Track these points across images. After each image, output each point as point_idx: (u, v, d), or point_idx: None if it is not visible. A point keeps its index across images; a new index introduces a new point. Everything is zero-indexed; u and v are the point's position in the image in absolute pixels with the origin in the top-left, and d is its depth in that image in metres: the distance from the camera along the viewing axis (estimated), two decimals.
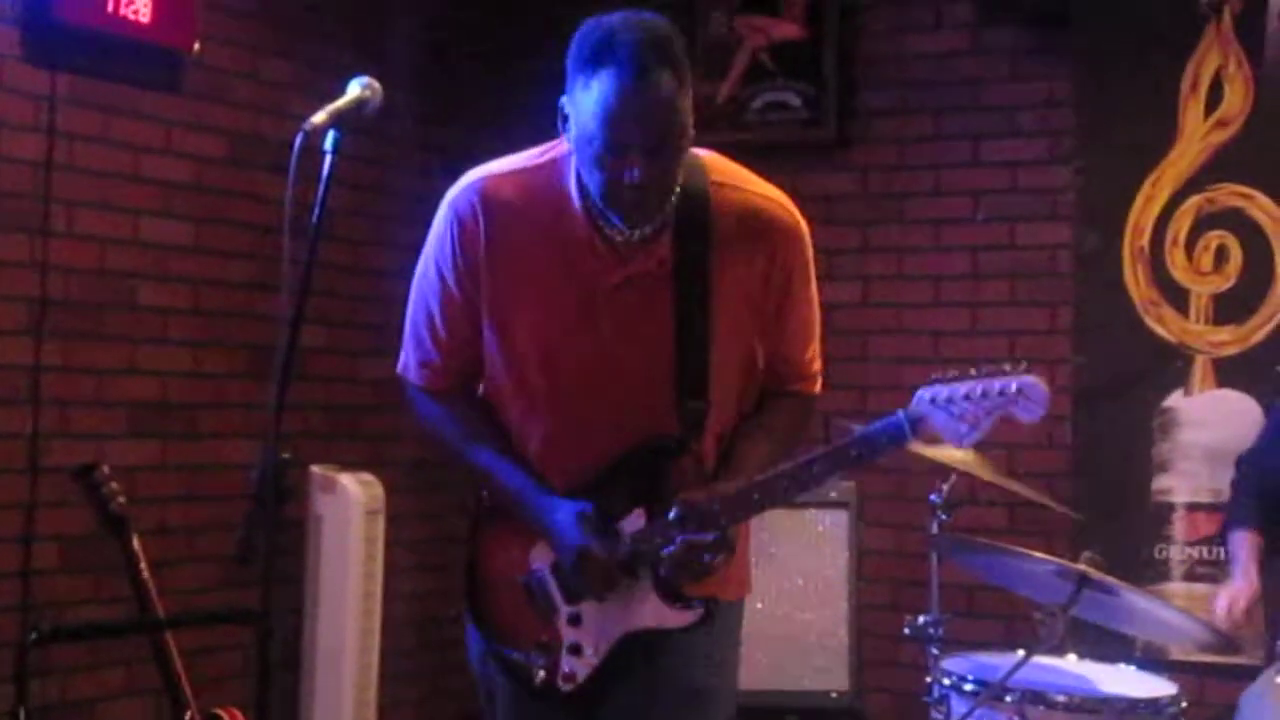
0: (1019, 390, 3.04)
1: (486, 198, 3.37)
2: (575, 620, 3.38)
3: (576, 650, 3.37)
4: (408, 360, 3.52)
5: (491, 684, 3.53)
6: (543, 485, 3.38)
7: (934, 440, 3.17)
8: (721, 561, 3.29)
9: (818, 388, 3.55)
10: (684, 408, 3.31)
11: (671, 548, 3.24)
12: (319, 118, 3.11)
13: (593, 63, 3.16)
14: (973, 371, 3.10)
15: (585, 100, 3.16)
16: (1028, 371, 3.07)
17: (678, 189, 3.29)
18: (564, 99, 3.25)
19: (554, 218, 3.33)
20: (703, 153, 3.39)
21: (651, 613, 3.33)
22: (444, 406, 3.50)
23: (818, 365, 3.55)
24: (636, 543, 3.30)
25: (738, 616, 3.56)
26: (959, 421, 3.08)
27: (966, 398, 3.07)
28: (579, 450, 3.37)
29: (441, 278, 3.42)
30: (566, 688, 3.38)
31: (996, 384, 3.05)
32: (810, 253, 3.45)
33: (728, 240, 3.32)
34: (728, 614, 3.47)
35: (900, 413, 3.14)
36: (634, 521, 3.32)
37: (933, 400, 3.10)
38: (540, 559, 3.41)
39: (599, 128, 3.14)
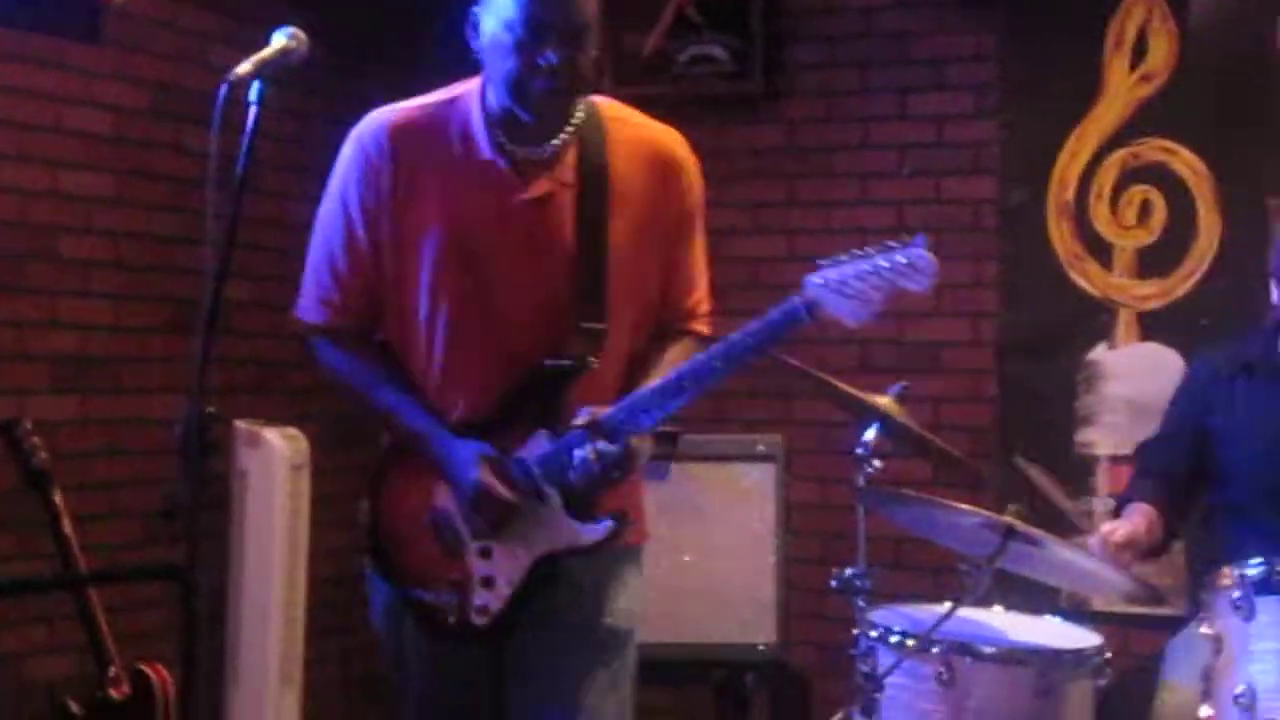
0: (908, 264, 3.12)
1: (392, 131, 3.44)
2: (485, 553, 3.42)
3: (489, 583, 3.41)
4: (306, 301, 3.56)
5: (400, 640, 3.54)
6: (444, 425, 3.42)
7: (831, 322, 3.21)
8: (627, 470, 3.34)
9: (709, 329, 3.60)
10: (581, 330, 3.36)
11: (580, 459, 3.27)
12: (244, 68, 3.10)
13: None
14: (858, 252, 3.17)
15: (513, 16, 3.27)
16: (913, 244, 3.13)
17: (578, 116, 3.40)
18: (476, 8, 3.37)
19: (459, 145, 3.42)
20: (596, 98, 3.49)
21: (563, 533, 3.37)
22: (345, 351, 3.54)
23: (708, 307, 3.62)
24: (543, 463, 3.34)
25: (637, 561, 3.59)
26: (852, 301, 3.15)
27: (857, 277, 3.14)
28: (482, 375, 3.42)
29: (346, 214, 3.47)
30: (481, 621, 3.41)
31: (884, 260, 3.13)
32: (702, 198, 3.56)
33: (626, 166, 3.44)
34: (628, 556, 3.54)
35: (795, 298, 3.20)
36: (538, 443, 3.37)
37: (825, 284, 3.17)
38: (445, 497, 3.44)
39: (518, 10, 3.26)
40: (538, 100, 3.32)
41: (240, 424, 5.76)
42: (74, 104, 5.35)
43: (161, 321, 5.62)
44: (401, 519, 3.49)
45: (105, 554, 5.17)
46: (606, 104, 3.52)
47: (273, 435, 5.72)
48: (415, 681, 3.55)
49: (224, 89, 3.03)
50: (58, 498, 4.57)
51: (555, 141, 3.41)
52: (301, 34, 3.19)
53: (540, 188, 3.39)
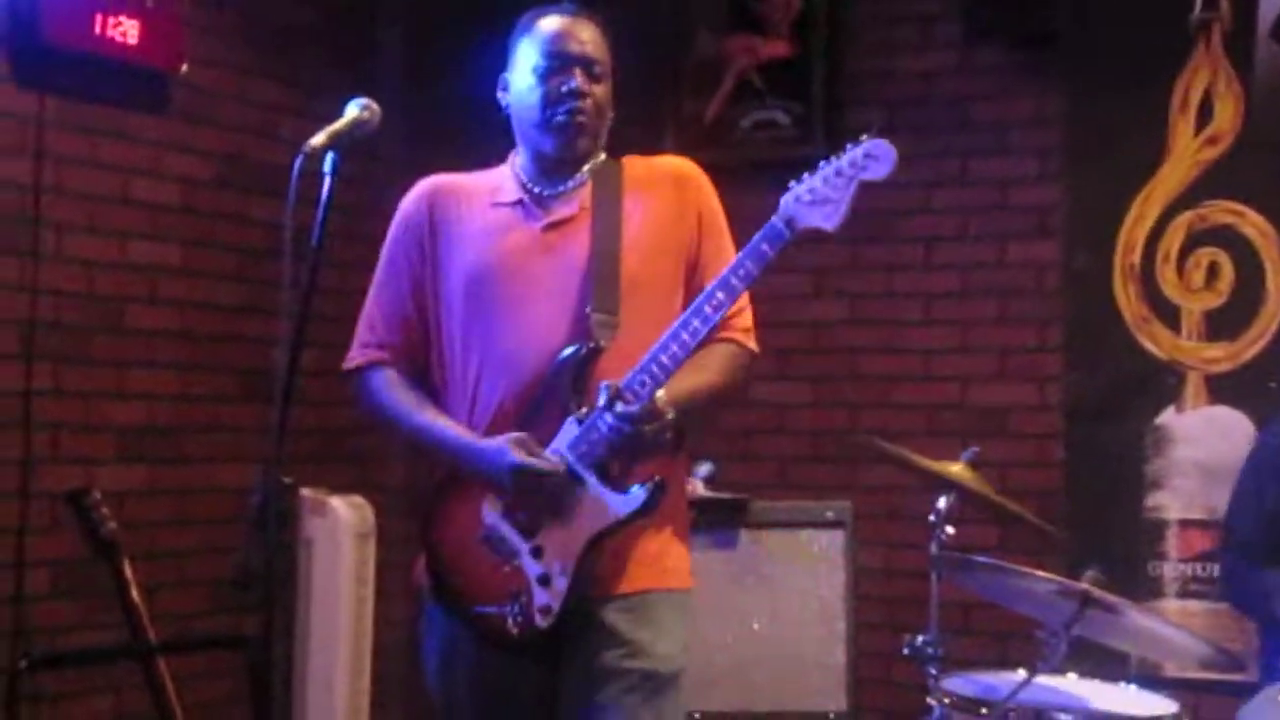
0: (866, 155, 3.41)
1: (432, 192, 3.72)
2: (538, 553, 3.48)
3: (545, 581, 3.47)
4: (351, 352, 3.77)
5: (452, 682, 3.61)
6: (475, 436, 3.53)
7: (812, 233, 3.42)
8: (658, 430, 3.41)
9: (750, 343, 3.71)
10: (593, 319, 3.48)
11: (609, 427, 3.37)
12: (318, 139, 3.11)
13: (529, 24, 3.65)
14: (822, 161, 3.43)
15: (526, 49, 3.62)
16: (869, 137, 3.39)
17: (597, 161, 3.65)
18: (504, 75, 3.69)
19: (489, 196, 3.67)
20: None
21: (604, 509, 3.43)
22: (380, 382, 3.69)
23: (747, 322, 3.71)
24: (574, 447, 3.43)
25: (680, 607, 3.61)
26: (823, 206, 3.39)
27: (824, 182, 3.40)
28: (509, 380, 3.52)
29: (388, 269, 3.73)
30: (545, 622, 3.45)
31: (845, 159, 3.40)
32: (721, 209, 3.71)
33: (638, 185, 3.66)
34: (667, 603, 3.56)
35: (773, 218, 3.41)
36: (567, 431, 3.45)
37: (796, 199, 3.41)
38: (490, 513, 3.52)
39: (542, 51, 3.59)
40: (563, 125, 3.58)
41: (306, 492, 5.77)
42: (141, 175, 5.40)
43: (228, 391, 5.65)
44: (453, 543, 3.56)
45: (172, 623, 5.18)
46: (626, 157, 3.74)
47: (338, 503, 5.72)
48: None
49: (300, 160, 3.05)
50: (126, 567, 4.56)
51: (574, 180, 3.64)
52: (374, 105, 3.22)
53: (559, 214, 3.61)
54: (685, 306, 3.53)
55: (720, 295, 3.40)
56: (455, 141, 6.28)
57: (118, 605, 4.55)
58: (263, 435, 5.49)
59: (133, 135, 5.36)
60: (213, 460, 5.59)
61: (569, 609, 3.45)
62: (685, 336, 3.39)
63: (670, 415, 3.43)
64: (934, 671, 4.32)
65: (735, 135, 6.52)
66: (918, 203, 6.37)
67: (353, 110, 3.21)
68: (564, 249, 3.57)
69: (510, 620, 3.46)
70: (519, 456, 3.41)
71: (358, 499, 5.81)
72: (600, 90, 3.61)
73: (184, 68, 5.40)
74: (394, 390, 3.67)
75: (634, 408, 3.36)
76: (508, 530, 3.50)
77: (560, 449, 3.44)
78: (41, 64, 5.04)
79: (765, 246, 3.38)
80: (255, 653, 3.04)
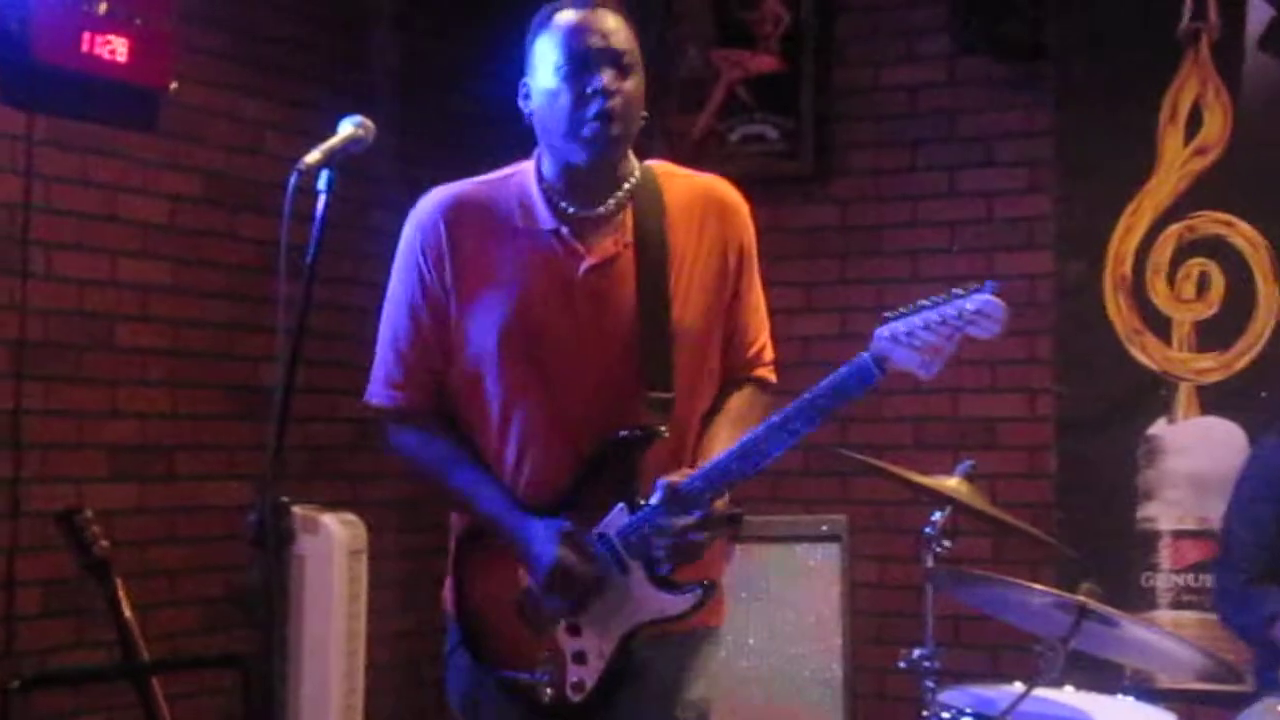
0: (975, 310, 3.06)
1: (448, 210, 3.45)
2: (574, 630, 3.38)
3: (581, 658, 3.37)
4: (374, 385, 3.54)
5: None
6: (518, 506, 3.39)
7: (901, 374, 3.15)
8: (711, 538, 3.30)
9: (774, 377, 3.59)
10: (649, 399, 3.33)
11: (659, 528, 3.25)
12: (313, 157, 3.07)
13: (546, 21, 3.39)
14: (925, 301, 3.11)
15: (545, 49, 3.36)
16: (980, 290, 3.07)
17: (632, 174, 3.42)
18: (524, 81, 3.43)
19: (519, 217, 3.42)
20: (650, 161, 3.52)
21: (650, 604, 3.33)
22: (416, 433, 3.51)
23: (771, 354, 3.60)
24: (624, 535, 3.31)
25: (716, 643, 3.55)
26: (921, 353, 3.10)
27: (925, 327, 3.09)
28: (553, 450, 3.38)
29: (408, 296, 3.48)
30: (576, 698, 3.36)
31: (952, 309, 3.07)
32: (754, 237, 3.55)
33: (681, 216, 3.42)
34: (706, 640, 3.49)
35: (864, 355, 3.16)
36: (617, 518, 3.32)
37: (893, 337, 3.11)
38: (530, 578, 3.40)
39: (563, 51, 3.33)
40: (594, 135, 3.32)
41: (298, 509, 5.72)
42: (131, 193, 5.37)
43: (219, 408, 5.63)
44: (487, 600, 3.45)
45: (164, 642, 5.16)
46: (657, 164, 3.53)
47: (330, 520, 5.69)
48: None
49: (294, 178, 3.01)
50: (118, 586, 4.55)
51: (611, 201, 3.41)
52: (368, 122, 3.17)
53: (602, 251, 3.38)
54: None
55: (792, 425, 3.18)
56: (447, 157, 6.29)
57: (109, 624, 4.53)
58: (254, 452, 5.58)
59: (122, 153, 5.34)
60: (204, 478, 5.57)
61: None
62: (755, 456, 3.21)
63: (725, 520, 3.33)
64: (930, 685, 4.31)
65: (724, 149, 6.54)
66: (906, 216, 6.38)
67: (347, 127, 3.14)
68: (609, 297, 3.37)
69: (542, 689, 3.36)
70: (564, 554, 3.30)
71: (349, 516, 5.79)
72: (631, 85, 3.34)
73: (173, 85, 5.38)
74: (430, 441, 3.49)
75: (691, 519, 3.23)
76: (545, 601, 3.38)
77: (609, 534, 3.32)
78: (30, 82, 5.02)
79: (852, 382, 3.16)
80: (254, 670, 3.02)
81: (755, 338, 3.56)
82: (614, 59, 3.33)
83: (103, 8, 5.11)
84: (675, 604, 3.32)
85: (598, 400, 3.36)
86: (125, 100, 5.34)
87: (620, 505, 3.32)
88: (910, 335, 3.10)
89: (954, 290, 3.10)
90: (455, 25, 6.57)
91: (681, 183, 3.49)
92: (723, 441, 3.36)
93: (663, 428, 3.33)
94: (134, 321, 5.37)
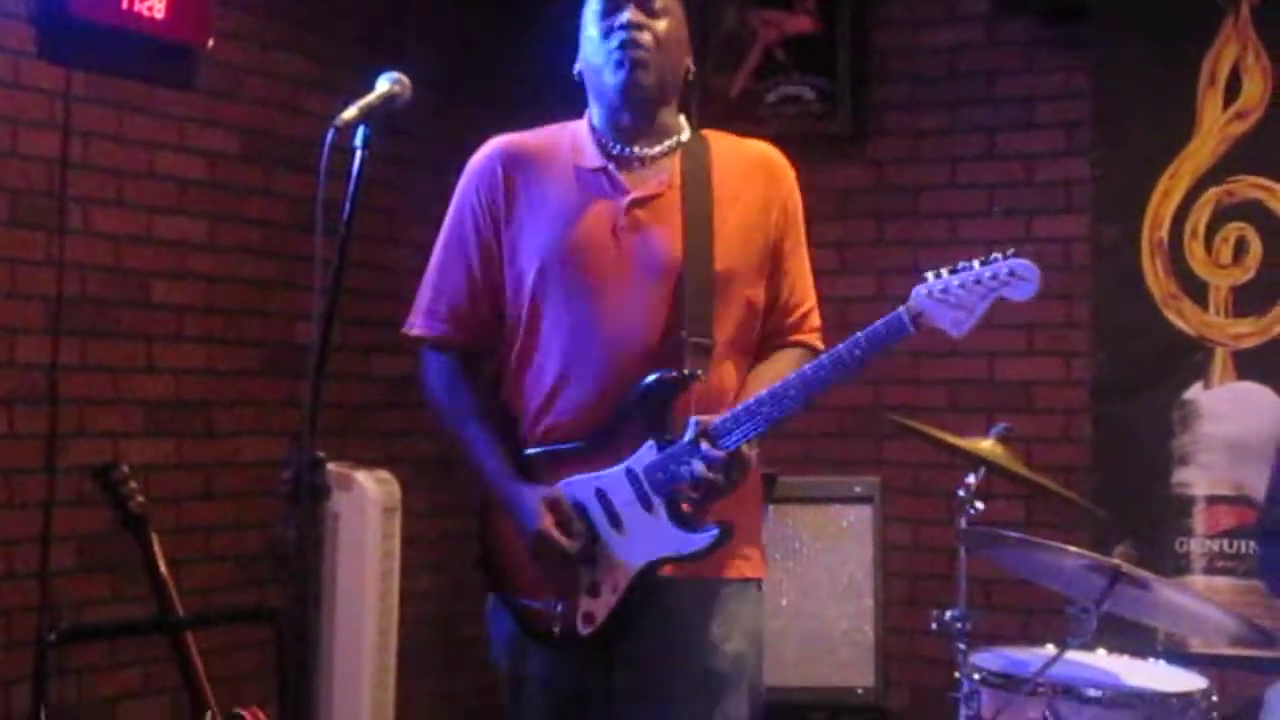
0: (1011, 272, 3.19)
1: (504, 153, 3.57)
2: (590, 561, 3.41)
3: (594, 590, 3.41)
4: (414, 314, 3.62)
5: (520, 677, 3.54)
6: (512, 470, 3.46)
7: (934, 331, 3.25)
8: (735, 481, 3.32)
9: (820, 343, 3.61)
10: (690, 344, 3.37)
11: (691, 470, 3.28)
12: (350, 113, 3.07)
13: None
14: (963, 263, 3.23)
15: (590, 4, 3.51)
16: (1017, 255, 3.21)
17: (683, 133, 3.54)
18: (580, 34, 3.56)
19: (569, 158, 3.53)
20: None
21: (668, 541, 3.36)
22: (448, 372, 3.58)
23: (818, 320, 3.64)
24: (650, 472, 3.34)
25: (755, 598, 3.56)
26: (956, 309, 3.21)
27: (961, 286, 3.20)
28: (591, 386, 3.43)
29: (458, 232, 3.58)
30: (586, 630, 3.41)
31: (988, 269, 3.20)
32: (801, 205, 3.61)
33: (728, 169, 3.52)
34: (744, 591, 3.51)
35: (900, 308, 3.25)
36: (646, 454, 3.36)
37: (929, 293, 3.22)
38: None
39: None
40: (619, 61, 3.43)
41: (332, 466, 5.73)
42: (167, 149, 5.39)
43: (254, 365, 5.65)
44: (507, 534, 3.50)
45: (199, 597, 5.19)
46: (707, 130, 3.62)
47: (365, 478, 5.71)
48: (531, 717, 3.54)
49: (330, 134, 3.01)
50: (154, 541, 4.57)
51: (659, 147, 3.52)
52: (405, 79, 3.17)
53: (647, 188, 3.47)
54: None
55: (825, 374, 3.25)
56: (487, 115, 6.29)
57: (145, 579, 4.55)
58: (289, 409, 5.60)
59: (159, 110, 5.35)
60: (239, 434, 5.60)
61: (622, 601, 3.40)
62: (786, 400, 3.27)
63: (753, 465, 3.36)
64: (962, 647, 4.32)
65: (761, 110, 6.51)
66: (943, 178, 6.36)
67: (384, 84, 3.15)
68: (652, 232, 3.45)
69: (552, 619, 3.42)
70: (546, 525, 3.37)
71: (383, 473, 5.81)
72: (663, 25, 3.46)
73: (210, 42, 5.39)
74: (451, 384, 3.57)
75: (719, 454, 3.27)
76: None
77: (636, 469, 3.36)
78: (68, 39, 5.03)
79: (885, 333, 3.23)
80: (288, 625, 3.03)
81: (801, 301, 3.60)
82: (643, 2, 3.45)
83: None
84: (691, 541, 3.34)
85: (638, 337, 3.41)
86: (163, 57, 5.35)
87: (651, 441, 3.36)
88: (946, 292, 3.21)
89: (993, 254, 3.22)
90: None
91: (730, 144, 3.59)
92: (758, 389, 3.38)
93: (700, 373, 3.36)
94: (170, 278, 5.39)
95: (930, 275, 3.23)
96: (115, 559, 4.93)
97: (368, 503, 5.68)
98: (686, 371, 3.35)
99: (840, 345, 3.27)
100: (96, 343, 5.15)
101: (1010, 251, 3.22)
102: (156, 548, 4.54)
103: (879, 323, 3.25)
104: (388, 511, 5.74)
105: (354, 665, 5.67)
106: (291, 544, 2.94)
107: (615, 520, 3.39)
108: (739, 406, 3.32)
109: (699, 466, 3.28)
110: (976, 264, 3.22)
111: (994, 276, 3.19)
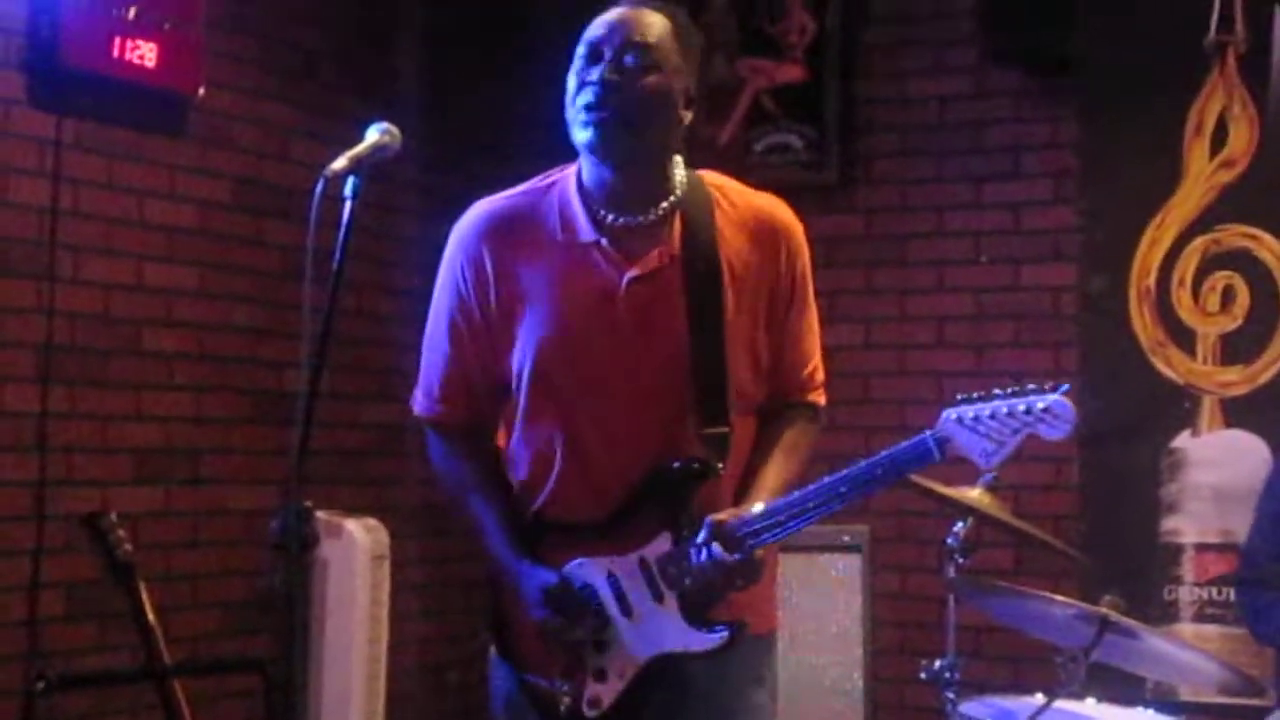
0: (1045, 410, 3.01)
1: (490, 223, 3.40)
2: (600, 647, 3.34)
3: (601, 675, 3.34)
4: (417, 393, 3.53)
5: None
6: (519, 546, 3.37)
7: (960, 459, 3.11)
8: (746, 585, 3.25)
9: (824, 400, 3.53)
10: (706, 432, 3.28)
11: (698, 565, 3.20)
12: (340, 164, 3.07)
13: (588, 25, 3.32)
14: (997, 390, 3.07)
15: (578, 50, 3.30)
16: (1054, 390, 3.03)
17: (680, 184, 3.33)
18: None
19: (560, 228, 3.35)
20: (701, 171, 3.43)
21: (677, 636, 3.28)
22: (449, 448, 3.50)
23: (822, 375, 3.53)
24: (662, 565, 3.27)
25: (767, 650, 3.51)
26: (985, 440, 3.05)
27: (992, 417, 3.04)
28: (601, 473, 3.34)
29: (448, 308, 3.43)
30: (591, 714, 3.33)
31: (1022, 403, 3.03)
32: (808, 258, 3.47)
33: (733, 232, 3.34)
34: (755, 647, 3.43)
35: (927, 433, 3.10)
36: (660, 545, 3.28)
37: (959, 420, 3.06)
38: None
39: (583, 45, 3.29)
40: (582, 123, 3.26)
41: (321, 514, 5.73)
42: (157, 198, 5.40)
43: (242, 413, 5.65)
44: (516, 609, 3.42)
45: (187, 646, 5.18)
46: (709, 174, 3.43)
47: (354, 526, 5.69)
48: None
49: (320, 184, 3.01)
50: (142, 589, 4.56)
51: (656, 212, 3.32)
52: (394, 130, 3.17)
53: (647, 263, 3.30)
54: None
55: (844, 490, 3.14)
56: (474, 165, 6.31)
57: (133, 627, 4.55)
58: (278, 457, 5.60)
59: (150, 158, 5.37)
60: (228, 482, 5.59)
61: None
62: (805, 514, 3.17)
63: (764, 571, 3.28)
64: (951, 696, 4.31)
65: (749, 159, 6.53)
66: (931, 226, 6.38)
67: (373, 134, 3.15)
68: (654, 311, 3.29)
69: (559, 699, 3.34)
70: (549, 621, 3.30)
71: (372, 521, 5.79)
72: (651, 80, 3.24)
73: (201, 91, 5.41)
74: (459, 460, 3.47)
75: (733, 559, 3.17)
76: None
77: (649, 559, 3.28)
78: (59, 86, 5.04)
79: (908, 458, 3.11)
80: (276, 674, 3.03)
81: (807, 359, 3.49)
82: (623, 50, 3.26)
83: (132, 13, 5.14)
84: (702, 640, 3.27)
85: (647, 422, 3.31)
86: (154, 105, 5.37)
87: (665, 533, 3.28)
88: (977, 421, 3.05)
89: (1028, 384, 3.06)
90: (482, 34, 6.58)
91: (735, 198, 3.41)
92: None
93: (720, 465, 3.28)
94: (160, 326, 5.39)
95: (961, 398, 3.08)
96: (103, 607, 4.93)
97: (357, 551, 5.66)
98: (704, 464, 3.27)
99: (862, 462, 3.15)
100: (86, 391, 5.15)
101: (1049, 385, 3.06)
102: (144, 596, 4.53)
103: (904, 445, 3.12)
104: (376, 559, 5.73)
105: (342, 714, 5.65)
106: (279, 592, 2.94)
107: (626, 607, 3.31)
108: (759, 511, 3.22)
109: (710, 569, 3.20)
110: (1012, 394, 3.05)
111: (1028, 411, 3.01)
